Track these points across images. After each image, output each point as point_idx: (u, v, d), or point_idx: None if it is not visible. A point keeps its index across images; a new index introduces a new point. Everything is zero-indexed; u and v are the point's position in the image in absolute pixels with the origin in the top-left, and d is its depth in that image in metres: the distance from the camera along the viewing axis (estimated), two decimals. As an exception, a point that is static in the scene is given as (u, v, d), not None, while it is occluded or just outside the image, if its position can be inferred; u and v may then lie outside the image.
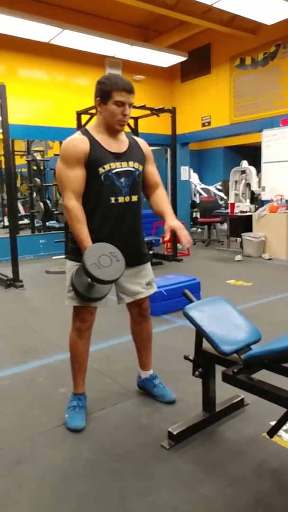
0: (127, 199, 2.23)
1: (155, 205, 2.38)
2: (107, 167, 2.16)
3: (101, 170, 2.15)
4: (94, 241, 2.12)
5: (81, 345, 2.35)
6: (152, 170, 2.40)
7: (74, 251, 2.22)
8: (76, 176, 2.13)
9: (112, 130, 2.21)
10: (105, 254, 2.04)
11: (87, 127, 2.26)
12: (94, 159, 2.14)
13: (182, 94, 9.71)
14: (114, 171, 2.18)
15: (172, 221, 2.23)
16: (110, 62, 8.49)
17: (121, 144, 2.25)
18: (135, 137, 2.39)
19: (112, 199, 2.19)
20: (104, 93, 2.12)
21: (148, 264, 2.45)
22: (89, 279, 2.03)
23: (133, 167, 2.24)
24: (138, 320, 2.50)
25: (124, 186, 2.21)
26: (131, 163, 2.24)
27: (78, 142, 2.14)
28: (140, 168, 2.29)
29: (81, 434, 2.23)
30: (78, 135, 2.20)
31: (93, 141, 2.16)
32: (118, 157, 2.20)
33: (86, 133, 2.20)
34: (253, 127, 8.32)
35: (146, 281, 2.41)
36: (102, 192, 2.17)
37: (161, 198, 2.39)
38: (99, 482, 1.87)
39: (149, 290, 2.43)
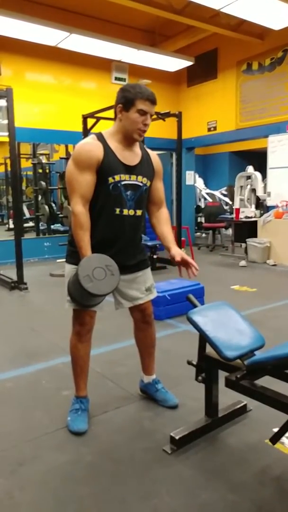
0: (131, 212, 2.22)
1: (157, 226, 2.38)
2: (117, 177, 2.14)
3: (110, 180, 2.14)
4: (93, 246, 2.13)
5: (82, 349, 2.35)
6: (158, 186, 2.38)
7: (73, 254, 2.22)
8: (86, 181, 2.11)
9: (129, 139, 2.18)
10: (101, 266, 2.04)
11: (103, 132, 2.22)
12: (105, 167, 2.12)
13: (188, 98, 9.74)
14: (123, 183, 2.16)
15: (179, 250, 2.27)
16: (117, 66, 8.53)
17: (134, 156, 2.22)
18: (149, 150, 2.35)
19: (117, 210, 2.18)
20: (127, 100, 2.09)
21: (148, 270, 2.43)
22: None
23: (142, 182, 2.23)
24: (142, 326, 2.49)
25: (130, 199, 2.20)
26: (140, 177, 2.22)
27: (93, 148, 2.12)
28: (148, 183, 2.27)
29: (83, 437, 2.23)
30: (92, 139, 2.17)
31: (107, 149, 2.14)
32: (129, 169, 2.18)
33: (101, 138, 2.17)
34: (259, 133, 8.33)
35: (145, 286, 2.39)
36: (109, 201, 2.16)
37: (164, 220, 2.39)
38: (101, 485, 1.87)
39: (148, 296, 2.41)
